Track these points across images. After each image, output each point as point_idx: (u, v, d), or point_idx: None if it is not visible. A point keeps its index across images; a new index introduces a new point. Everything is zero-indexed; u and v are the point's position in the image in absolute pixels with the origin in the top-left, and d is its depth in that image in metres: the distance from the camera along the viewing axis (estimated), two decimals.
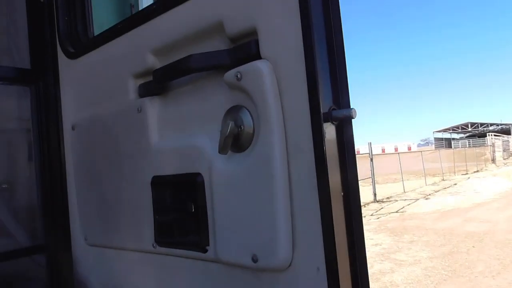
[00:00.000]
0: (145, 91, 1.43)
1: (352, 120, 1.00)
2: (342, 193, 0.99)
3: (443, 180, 24.94)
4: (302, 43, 0.97)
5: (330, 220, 0.95)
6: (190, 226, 1.27)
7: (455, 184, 22.62)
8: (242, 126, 1.10)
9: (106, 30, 1.64)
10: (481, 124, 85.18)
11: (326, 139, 0.95)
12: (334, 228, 0.95)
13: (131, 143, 1.49)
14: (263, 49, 1.06)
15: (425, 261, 7.64)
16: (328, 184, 0.95)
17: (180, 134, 1.35)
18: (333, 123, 1.00)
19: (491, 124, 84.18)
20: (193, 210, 1.24)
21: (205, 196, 1.20)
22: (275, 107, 1.03)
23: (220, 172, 1.16)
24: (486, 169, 32.99)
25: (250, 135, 1.10)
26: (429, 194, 18.53)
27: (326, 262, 0.96)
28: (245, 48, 1.10)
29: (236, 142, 1.11)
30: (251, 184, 1.08)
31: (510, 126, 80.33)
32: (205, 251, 1.22)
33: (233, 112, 1.14)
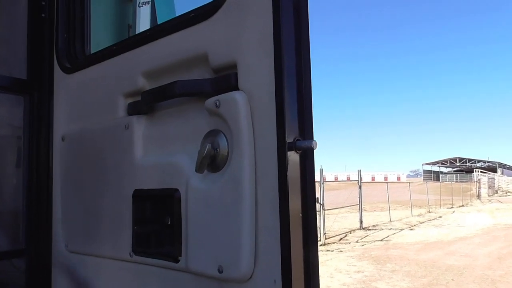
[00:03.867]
0: (133, 109, 1.56)
1: (314, 150, 1.13)
2: (300, 215, 1.11)
3: (428, 212, 25.13)
4: (274, 79, 1.11)
5: (288, 238, 1.06)
6: (165, 237, 1.38)
7: (440, 217, 22.80)
8: (218, 149, 1.22)
9: (102, 50, 1.77)
10: (469, 160, 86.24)
11: (289, 166, 1.08)
12: (291, 246, 1.06)
13: (117, 157, 1.60)
14: (241, 82, 1.19)
15: None
16: (288, 207, 1.07)
17: (162, 151, 1.46)
18: (296, 152, 1.11)
19: (479, 161, 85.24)
20: (169, 222, 1.35)
21: (180, 210, 1.31)
22: (247, 134, 1.15)
23: (196, 189, 1.27)
24: (471, 204, 33.32)
25: (225, 157, 1.21)
26: (414, 225, 18.65)
27: (282, 276, 1.07)
28: (225, 79, 1.23)
29: (212, 162, 1.22)
30: (222, 202, 1.19)
31: (496, 164, 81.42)
32: (177, 261, 1.32)
33: (211, 135, 1.26)
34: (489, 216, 22.97)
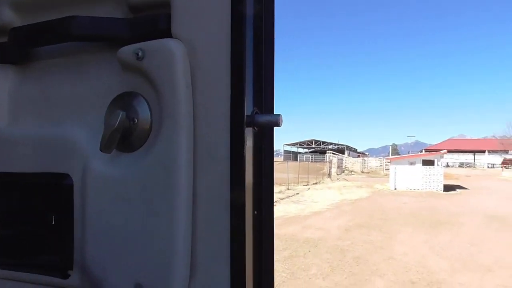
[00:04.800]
0: None
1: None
2: (255, 212, 0.85)
3: (288, 189, 27.20)
4: (229, 28, 0.79)
5: (242, 244, 0.79)
6: (47, 243, 0.98)
7: (298, 193, 24.88)
8: (135, 119, 0.86)
9: None
10: (323, 142, 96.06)
11: (246, 147, 0.79)
12: (246, 253, 0.79)
13: None
14: (176, 27, 0.84)
15: None
16: (244, 201, 0.79)
17: (43, 120, 1.03)
18: (254, 129, 0.84)
19: (331, 143, 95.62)
20: (53, 222, 0.96)
21: (73, 205, 0.92)
22: (185, 101, 0.81)
23: (99, 175, 0.89)
24: (323, 182, 37.18)
25: (146, 131, 0.86)
26: (275, 201, 19.96)
27: None
28: (151, 22, 0.87)
29: (125, 138, 0.86)
30: (141, 194, 0.84)
31: (344, 146, 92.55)
32: (67, 276, 0.94)
33: (125, 100, 0.89)
34: (338, 193, 25.94)
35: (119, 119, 0.82)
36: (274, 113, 0.88)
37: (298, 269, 7.78)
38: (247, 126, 0.80)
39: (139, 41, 0.85)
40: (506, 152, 67.05)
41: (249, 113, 0.82)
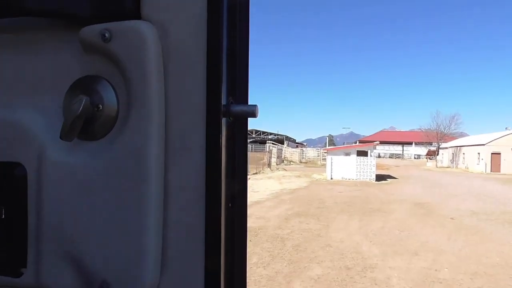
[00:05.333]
0: None
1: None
2: (229, 205, 0.80)
3: None
4: (205, 11, 0.73)
5: (217, 239, 0.74)
6: None
7: None
8: (100, 106, 0.79)
9: None
10: (263, 132, 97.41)
11: (223, 139, 0.75)
12: (221, 246, 0.75)
13: None
14: (146, 8, 0.77)
15: None
16: (221, 194, 0.74)
17: None
18: (229, 120, 0.79)
19: (270, 133, 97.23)
20: (3, 215, 0.85)
21: (26, 197, 0.84)
22: (156, 87, 0.76)
23: (57, 165, 0.81)
24: (263, 172, 37.75)
25: (111, 119, 0.79)
26: None
27: None
28: (116, 0, 0.79)
29: (88, 126, 0.79)
30: (106, 186, 0.78)
31: (284, 136, 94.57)
32: (20, 274, 0.86)
33: (88, 84, 0.81)
34: (278, 182, 26.48)
35: (82, 105, 0.74)
36: (249, 103, 0.83)
37: None
38: (223, 116, 0.76)
39: (103, 22, 0.77)
40: (431, 144, 72.29)
41: (225, 103, 0.77)
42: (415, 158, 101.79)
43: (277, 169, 42.74)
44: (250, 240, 9.40)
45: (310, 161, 60.74)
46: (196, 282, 0.75)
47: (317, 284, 6.42)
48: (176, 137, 0.77)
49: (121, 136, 0.77)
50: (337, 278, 6.74)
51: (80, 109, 0.74)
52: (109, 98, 0.78)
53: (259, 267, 7.31)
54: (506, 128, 56.15)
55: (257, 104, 0.80)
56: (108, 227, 0.77)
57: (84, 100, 0.75)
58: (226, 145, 0.79)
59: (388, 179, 31.25)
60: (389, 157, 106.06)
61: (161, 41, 0.76)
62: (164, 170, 0.76)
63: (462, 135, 72.99)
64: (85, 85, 0.80)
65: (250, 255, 8.10)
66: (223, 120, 0.76)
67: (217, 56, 0.74)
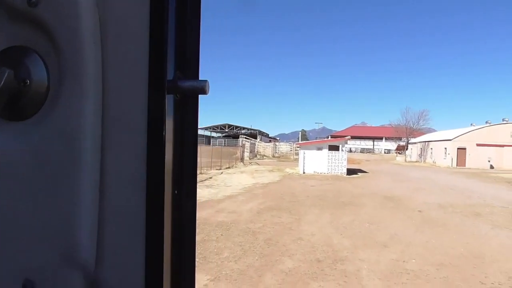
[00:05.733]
0: None
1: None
2: (175, 192, 0.74)
3: (201, 173, 27.04)
4: None
5: (159, 229, 0.68)
6: None
7: (211, 177, 24.88)
8: (27, 81, 0.69)
9: None
10: (236, 127, 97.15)
11: (167, 118, 0.68)
12: (164, 240, 0.68)
13: None
14: None
15: None
16: (163, 179, 0.68)
17: None
18: (176, 97, 0.73)
19: (244, 128, 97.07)
20: None
21: None
22: (92, 60, 0.67)
23: None
24: (236, 166, 37.67)
25: (40, 95, 0.69)
26: None
27: (146, 286, 0.68)
28: None
29: (13, 103, 0.69)
30: (34, 172, 0.68)
31: (257, 131, 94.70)
32: None
33: (13, 56, 0.71)
34: (250, 177, 26.46)
35: (4, 79, 0.64)
36: (200, 79, 0.76)
37: (210, 253, 7.75)
38: (168, 93, 0.68)
39: None
40: (400, 139, 74.03)
41: (171, 78, 0.70)
42: (385, 152, 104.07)
43: (250, 163, 42.74)
44: (222, 234, 9.34)
45: (283, 156, 61.10)
46: (136, 275, 0.67)
47: (288, 277, 6.42)
48: (114, 116, 0.68)
49: (51, 116, 0.68)
50: (308, 271, 6.77)
51: (1, 83, 0.64)
52: (37, 72, 0.68)
53: (230, 261, 7.25)
54: (471, 124, 58.14)
55: (208, 80, 0.72)
56: (34, 220, 0.68)
57: (6, 73, 0.65)
58: (174, 126, 0.72)
59: (359, 173, 31.79)
60: (360, 152, 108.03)
61: (98, 8, 0.67)
62: (101, 153, 0.68)
63: (430, 130, 75.15)
64: (9, 57, 0.70)
65: (221, 249, 8.04)
66: (169, 97, 0.68)
67: (162, 25, 0.66)
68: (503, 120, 52.03)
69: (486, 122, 53.61)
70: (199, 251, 7.83)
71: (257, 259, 7.39)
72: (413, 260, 7.52)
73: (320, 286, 6.07)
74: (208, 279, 6.27)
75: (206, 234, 9.33)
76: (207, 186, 20.00)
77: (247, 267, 6.93)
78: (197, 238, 8.07)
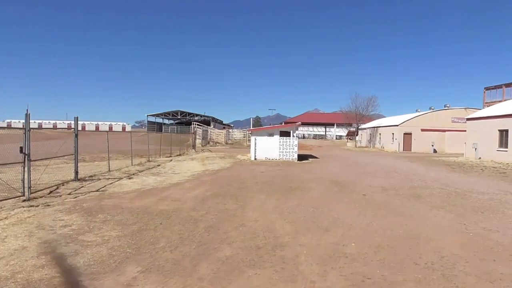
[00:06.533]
0: None
1: None
2: None
3: (148, 161, 26.15)
4: None
5: None
6: None
7: (159, 165, 24.10)
8: None
9: None
10: (189, 114, 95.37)
11: None
12: None
13: None
14: None
15: (114, 240, 7.47)
16: None
17: None
18: None
19: (197, 115, 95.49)
20: None
21: None
22: None
23: None
24: (187, 154, 36.92)
25: None
26: (133, 174, 18.92)
27: None
28: None
29: None
30: None
31: (210, 118, 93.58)
32: None
33: None
34: (201, 164, 25.96)
35: None
36: None
37: (146, 243, 7.31)
38: None
39: None
40: (350, 125, 75.91)
41: None
42: (336, 138, 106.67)
43: (202, 150, 42.06)
44: (161, 223, 8.90)
45: (236, 143, 60.78)
46: None
47: (224, 266, 6.14)
48: None
49: None
50: (246, 258, 6.53)
51: None
52: None
53: (166, 251, 6.86)
54: (416, 110, 60.57)
55: None
56: None
57: None
58: None
59: (309, 159, 32.17)
60: (313, 138, 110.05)
61: None
62: None
63: (379, 116, 77.55)
64: None
65: (158, 238, 7.62)
66: None
67: None
68: (444, 106, 54.55)
69: (430, 108, 55.97)
70: (132, 242, 7.37)
71: (194, 248, 7.06)
72: (353, 244, 7.49)
73: (256, 274, 5.84)
74: (138, 271, 5.85)
75: (144, 224, 8.85)
76: (154, 174, 19.32)
77: (183, 256, 6.58)
78: (133, 227, 7.59)
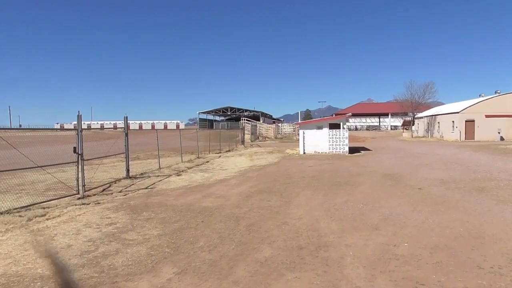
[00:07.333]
0: None
1: None
2: None
3: (198, 158, 26.43)
4: None
5: None
6: None
7: (208, 161, 24.25)
8: None
9: None
10: (238, 109, 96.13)
11: None
12: None
13: None
14: None
15: (154, 239, 7.39)
16: None
17: None
18: None
19: (246, 110, 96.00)
20: None
21: None
22: None
23: None
24: (236, 149, 37.02)
25: None
26: (182, 171, 19.11)
27: None
28: None
29: None
30: None
31: (259, 113, 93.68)
32: None
33: None
34: (248, 159, 25.80)
35: None
36: None
37: (185, 242, 7.14)
38: None
39: None
40: (406, 114, 72.57)
41: None
42: (391, 129, 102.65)
43: (251, 145, 42.04)
44: (202, 221, 8.72)
45: (285, 137, 60.26)
46: None
47: (262, 268, 5.79)
48: None
49: None
50: (286, 259, 6.13)
51: None
52: None
53: (204, 251, 6.63)
54: (480, 95, 56.51)
55: None
56: None
57: None
58: None
59: (362, 151, 30.97)
60: (366, 129, 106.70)
61: None
62: None
63: (438, 104, 73.37)
64: None
65: (197, 237, 7.42)
66: None
67: None
68: None
69: (496, 92, 51.89)
70: (172, 241, 7.23)
71: (233, 248, 6.77)
72: (405, 244, 6.84)
73: (296, 277, 5.42)
74: (174, 273, 5.66)
75: (185, 222, 8.72)
76: (202, 170, 19.41)
77: (220, 257, 6.31)
78: (175, 226, 7.37)
